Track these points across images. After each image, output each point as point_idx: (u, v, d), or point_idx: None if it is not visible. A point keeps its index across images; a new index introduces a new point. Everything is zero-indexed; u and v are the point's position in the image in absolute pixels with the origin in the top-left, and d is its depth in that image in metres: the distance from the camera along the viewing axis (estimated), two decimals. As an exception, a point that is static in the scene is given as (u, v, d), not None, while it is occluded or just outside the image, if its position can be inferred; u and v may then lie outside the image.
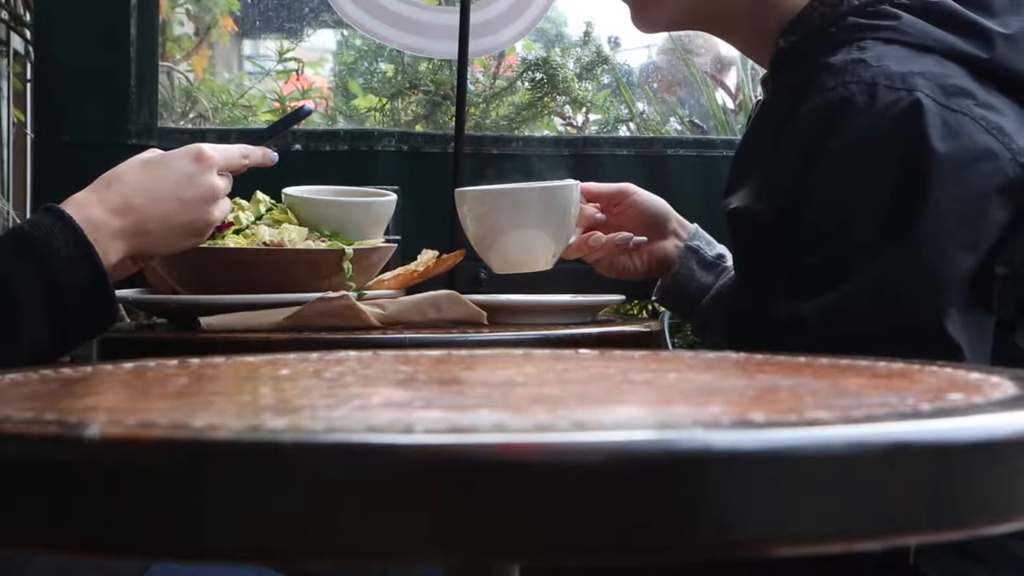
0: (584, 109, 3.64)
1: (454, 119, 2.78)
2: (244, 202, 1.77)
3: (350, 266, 1.67)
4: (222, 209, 1.51)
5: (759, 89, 3.64)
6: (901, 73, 1.35)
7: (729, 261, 1.74)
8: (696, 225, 1.80)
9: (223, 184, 1.50)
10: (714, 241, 1.79)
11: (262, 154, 1.58)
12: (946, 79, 1.35)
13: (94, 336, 1.43)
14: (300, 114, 1.76)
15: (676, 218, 1.79)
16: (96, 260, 1.35)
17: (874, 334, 1.31)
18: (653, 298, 1.81)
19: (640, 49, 4.00)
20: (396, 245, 1.80)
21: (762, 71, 1.62)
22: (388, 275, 1.79)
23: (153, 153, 1.50)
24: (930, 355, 1.13)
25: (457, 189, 1.81)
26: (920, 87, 1.33)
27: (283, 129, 1.76)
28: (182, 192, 1.46)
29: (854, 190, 1.34)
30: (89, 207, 1.39)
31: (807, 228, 1.36)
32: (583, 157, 2.68)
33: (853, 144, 1.34)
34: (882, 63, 1.36)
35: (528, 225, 1.71)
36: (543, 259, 1.74)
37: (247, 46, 4.70)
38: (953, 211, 1.31)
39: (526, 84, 3.53)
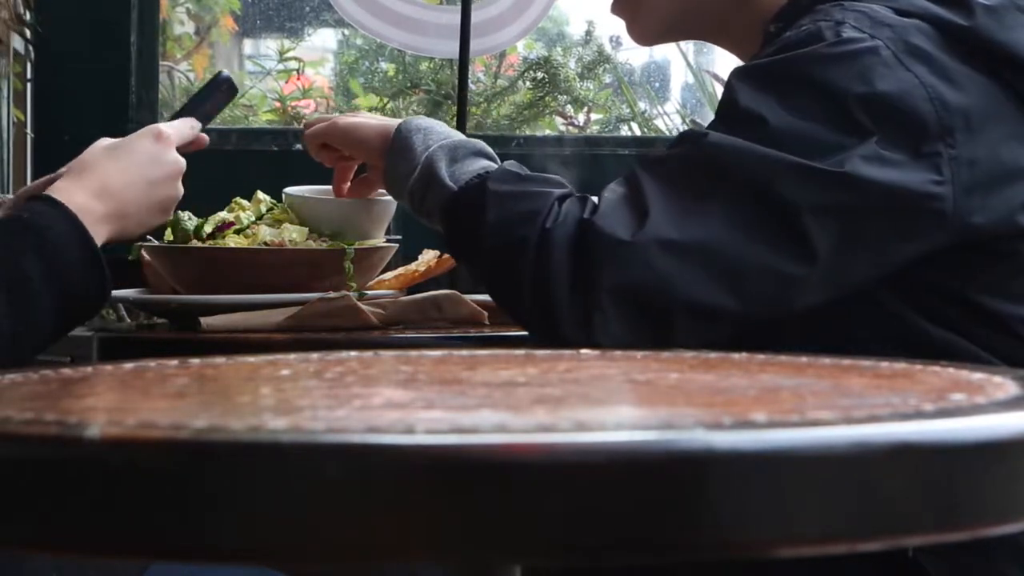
0: (586, 108, 3.64)
1: (455, 119, 2.78)
2: (244, 202, 1.77)
3: (351, 266, 1.67)
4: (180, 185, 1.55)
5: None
6: (872, 20, 1.37)
7: None
8: None
9: (182, 160, 1.55)
10: None
11: (191, 126, 1.62)
12: (912, 39, 1.37)
13: (87, 319, 1.47)
14: (219, 80, 1.77)
15: None
16: (92, 243, 1.40)
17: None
18: None
19: (642, 48, 4.00)
20: (397, 245, 1.80)
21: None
22: (389, 275, 1.79)
23: (109, 140, 1.55)
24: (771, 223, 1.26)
25: None
26: (884, 37, 1.36)
27: (204, 101, 1.76)
28: (150, 172, 1.51)
29: (782, 105, 1.34)
30: (73, 194, 1.43)
31: (726, 105, 1.38)
32: (585, 157, 2.68)
33: (799, 60, 1.35)
34: (856, 9, 1.39)
35: None
36: None
37: (248, 45, 4.70)
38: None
39: (527, 83, 3.53)
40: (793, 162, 1.31)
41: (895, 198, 1.33)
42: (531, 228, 1.34)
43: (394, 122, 1.57)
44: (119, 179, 1.48)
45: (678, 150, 1.37)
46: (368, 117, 1.64)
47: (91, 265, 1.39)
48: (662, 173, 1.35)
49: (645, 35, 1.67)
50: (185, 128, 1.59)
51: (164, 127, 1.55)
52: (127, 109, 2.61)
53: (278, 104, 3.68)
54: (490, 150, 1.51)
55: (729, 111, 1.38)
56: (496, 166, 1.46)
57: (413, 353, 0.98)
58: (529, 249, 1.34)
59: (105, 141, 1.54)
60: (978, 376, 0.80)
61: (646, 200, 1.32)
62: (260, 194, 1.78)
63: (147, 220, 1.52)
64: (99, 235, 1.43)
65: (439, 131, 1.53)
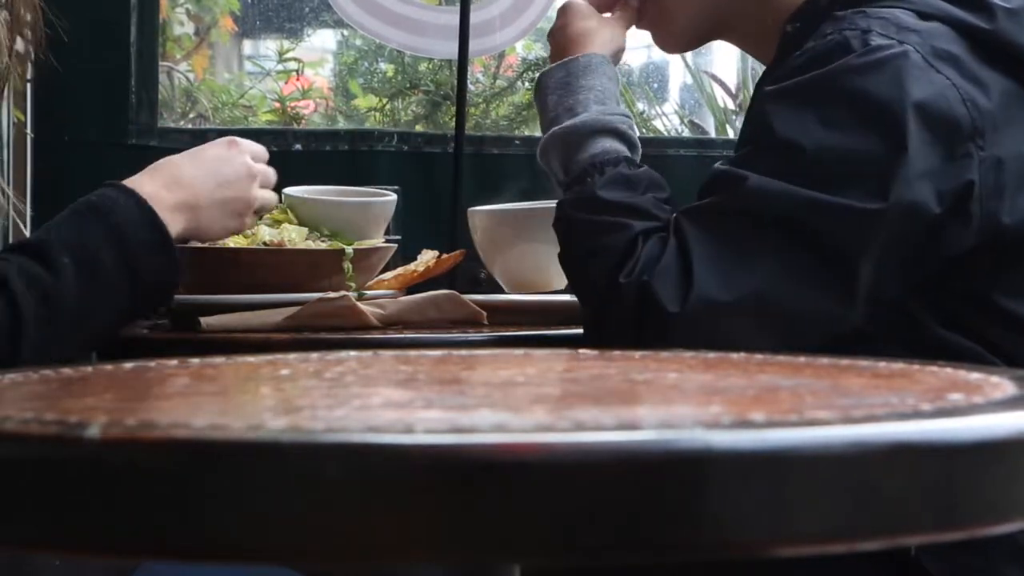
0: (584, 109, 3.63)
1: (454, 119, 2.78)
2: (244, 202, 1.77)
3: (350, 266, 1.67)
4: (262, 194, 1.59)
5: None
6: (898, 26, 1.37)
7: None
8: None
9: (258, 166, 1.59)
10: None
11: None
12: (939, 43, 1.37)
13: (162, 302, 1.52)
14: None
15: None
16: (161, 226, 1.44)
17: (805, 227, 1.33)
18: None
19: (640, 49, 4.00)
20: (396, 245, 1.80)
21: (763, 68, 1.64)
22: (388, 275, 1.79)
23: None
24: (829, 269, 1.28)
25: (470, 209, 1.81)
26: (912, 42, 1.36)
27: None
28: (221, 169, 1.55)
29: (821, 123, 1.34)
30: (143, 184, 1.47)
31: (762, 128, 1.38)
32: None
33: (833, 76, 1.35)
34: (880, 16, 1.39)
35: (544, 242, 1.71)
36: (558, 278, 1.75)
37: (247, 46, 4.70)
38: (919, 160, 1.33)
39: (526, 84, 3.53)
40: (836, 203, 1.31)
41: (933, 213, 1.33)
42: (601, 267, 1.36)
43: (577, 48, 1.58)
44: (189, 172, 1.52)
45: (718, 198, 1.36)
46: (581, 31, 1.61)
47: (160, 248, 1.43)
48: (703, 224, 1.34)
49: (673, 44, 1.69)
50: (258, 147, 1.62)
51: (237, 138, 1.61)
52: (127, 110, 2.60)
53: (277, 105, 3.68)
54: (608, 122, 1.51)
55: (765, 139, 1.36)
56: (611, 149, 1.48)
57: (412, 353, 0.99)
58: (597, 291, 1.37)
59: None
60: (976, 376, 0.80)
61: (690, 258, 1.32)
62: (260, 194, 1.78)
63: (222, 219, 1.55)
64: (172, 224, 1.46)
65: (571, 88, 1.54)
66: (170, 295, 1.50)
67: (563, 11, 1.64)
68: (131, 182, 1.47)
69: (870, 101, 1.34)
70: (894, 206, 1.31)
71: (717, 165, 1.41)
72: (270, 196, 1.61)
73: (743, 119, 1.67)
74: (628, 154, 1.48)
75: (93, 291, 1.37)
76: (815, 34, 1.42)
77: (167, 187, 1.48)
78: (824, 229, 1.32)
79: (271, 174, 1.61)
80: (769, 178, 1.33)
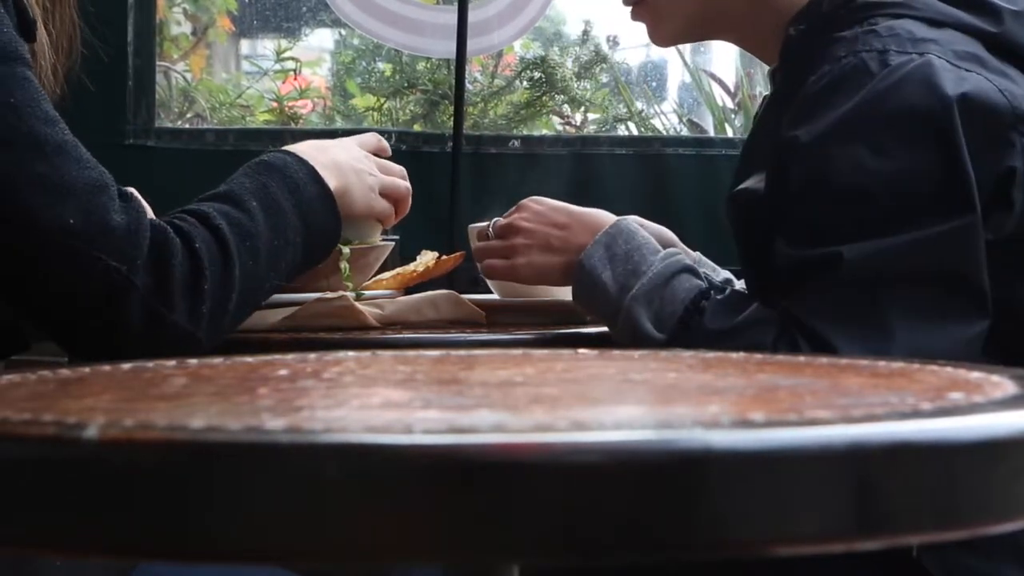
0: (583, 108, 3.64)
1: (452, 118, 2.78)
2: (243, 202, 1.77)
3: (347, 266, 1.67)
4: (382, 203, 1.63)
5: (757, 90, 3.64)
6: (912, 40, 1.37)
7: (736, 284, 1.72)
8: (699, 252, 1.78)
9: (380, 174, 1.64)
10: (718, 267, 1.79)
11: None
12: (957, 46, 1.37)
13: (323, 256, 1.55)
14: None
15: (681, 247, 1.79)
16: (323, 180, 1.51)
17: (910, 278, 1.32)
18: None
19: (639, 48, 4.01)
20: (393, 243, 1.79)
21: (766, 68, 1.64)
22: (387, 275, 1.79)
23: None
24: (958, 303, 1.26)
25: (470, 226, 1.81)
26: (931, 51, 1.36)
27: None
28: (357, 152, 1.61)
29: (874, 154, 1.34)
30: (295, 149, 1.54)
31: (819, 184, 1.36)
32: (582, 156, 2.68)
33: (866, 104, 1.34)
34: (893, 32, 1.38)
35: None
36: (562, 291, 1.75)
37: (244, 46, 4.70)
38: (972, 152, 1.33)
39: (524, 83, 3.54)
40: (934, 235, 1.30)
41: (983, 202, 1.34)
42: None
43: (574, 248, 1.53)
44: (327, 143, 1.59)
45: (825, 283, 1.33)
46: (546, 248, 1.58)
47: (325, 200, 1.50)
48: (828, 311, 1.32)
49: (667, 38, 1.68)
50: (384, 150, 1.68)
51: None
52: (124, 110, 2.60)
53: (275, 104, 3.68)
54: (676, 263, 1.47)
55: (830, 196, 1.35)
56: (692, 286, 1.43)
57: (411, 353, 0.98)
58: None
59: None
60: (976, 375, 0.80)
61: (834, 348, 1.29)
62: (258, 194, 1.78)
63: (365, 193, 1.58)
64: (328, 181, 1.52)
65: (620, 257, 1.48)
66: (331, 249, 1.55)
67: (540, 218, 1.60)
68: (284, 148, 1.54)
69: (912, 115, 1.33)
70: (976, 221, 1.32)
71: (788, 250, 1.38)
72: (382, 206, 1.64)
73: (753, 124, 1.66)
74: (706, 284, 1.45)
75: (279, 235, 1.42)
76: (827, 55, 1.40)
77: (316, 150, 1.54)
78: (936, 265, 1.31)
79: (399, 183, 1.65)
80: (861, 242, 1.32)
